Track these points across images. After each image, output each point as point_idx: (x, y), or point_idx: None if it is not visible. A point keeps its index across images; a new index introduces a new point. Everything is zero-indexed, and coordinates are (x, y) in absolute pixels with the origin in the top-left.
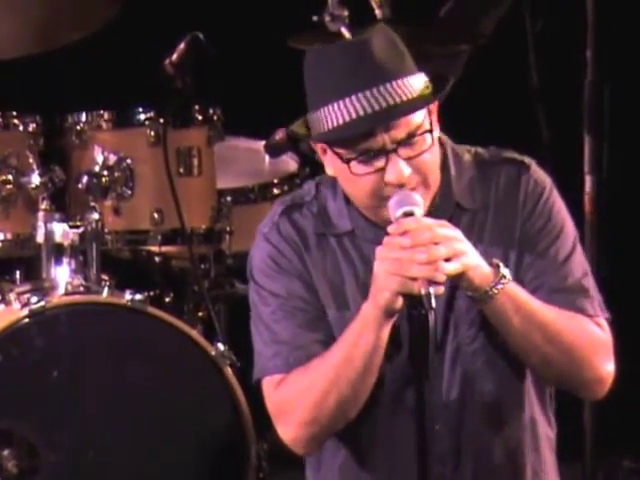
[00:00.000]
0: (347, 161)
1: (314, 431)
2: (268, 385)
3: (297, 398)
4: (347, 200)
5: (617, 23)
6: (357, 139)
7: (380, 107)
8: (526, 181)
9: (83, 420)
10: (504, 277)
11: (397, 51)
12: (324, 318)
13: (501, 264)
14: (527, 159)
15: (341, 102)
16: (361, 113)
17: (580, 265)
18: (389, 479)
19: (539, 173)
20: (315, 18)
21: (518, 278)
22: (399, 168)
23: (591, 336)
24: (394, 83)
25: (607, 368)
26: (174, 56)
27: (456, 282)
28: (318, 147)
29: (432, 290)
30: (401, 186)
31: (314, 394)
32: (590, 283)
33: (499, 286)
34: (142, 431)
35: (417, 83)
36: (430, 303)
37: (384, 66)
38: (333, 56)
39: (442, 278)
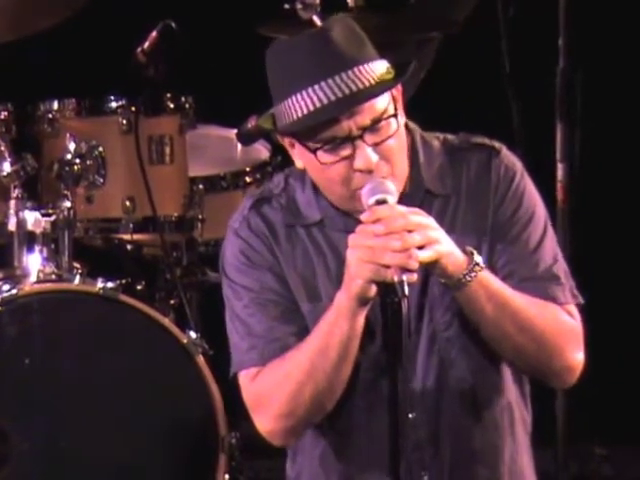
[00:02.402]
0: (314, 151)
1: (291, 423)
2: (244, 379)
3: (273, 390)
4: (316, 191)
5: (589, 10)
6: (322, 128)
7: (343, 94)
8: (497, 166)
9: (55, 408)
10: (477, 265)
11: (357, 39)
12: (298, 310)
13: (474, 252)
14: (497, 144)
15: (304, 92)
16: (325, 101)
17: (551, 251)
18: (368, 468)
19: (510, 157)
20: (287, 6)
21: (490, 264)
22: (367, 154)
23: (562, 325)
24: (355, 70)
25: (577, 357)
26: (146, 44)
27: (429, 270)
28: (286, 141)
29: (405, 278)
30: (370, 173)
31: (290, 386)
32: (561, 269)
33: (472, 274)
34: (114, 419)
35: (378, 69)
36: (403, 291)
37: (345, 54)
38: (294, 48)
39: (415, 265)
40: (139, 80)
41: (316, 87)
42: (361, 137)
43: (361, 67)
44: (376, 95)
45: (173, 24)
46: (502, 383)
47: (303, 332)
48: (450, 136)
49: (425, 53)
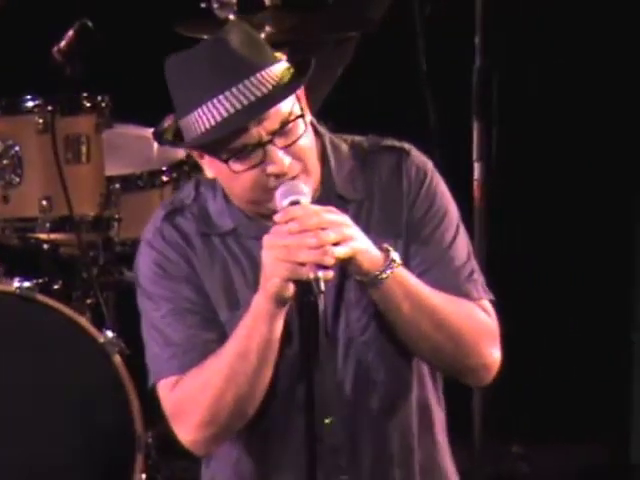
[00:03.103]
0: (225, 161)
1: (213, 431)
2: (164, 388)
3: (193, 399)
4: (227, 199)
5: (505, 9)
6: (231, 137)
7: (249, 101)
8: (408, 168)
9: None
10: (394, 261)
11: (255, 43)
12: (216, 319)
13: (391, 248)
14: (406, 145)
15: (209, 104)
16: (231, 110)
17: (464, 248)
18: (284, 474)
19: (419, 157)
20: (203, 5)
21: (406, 265)
22: (279, 158)
23: (478, 322)
24: (258, 75)
25: (493, 354)
26: (62, 43)
27: (345, 267)
28: (194, 152)
29: (321, 274)
30: (283, 176)
31: (210, 393)
32: (474, 265)
33: (388, 270)
34: (30, 419)
35: (279, 71)
36: (319, 287)
37: (244, 61)
38: (193, 60)
39: (331, 262)
40: (55, 79)
41: (221, 97)
42: (271, 142)
43: (263, 72)
44: (283, 98)
45: (90, 23)
46: (419, 384)
47: (222, 340)
48: (358, 139)
49: (343, 52)
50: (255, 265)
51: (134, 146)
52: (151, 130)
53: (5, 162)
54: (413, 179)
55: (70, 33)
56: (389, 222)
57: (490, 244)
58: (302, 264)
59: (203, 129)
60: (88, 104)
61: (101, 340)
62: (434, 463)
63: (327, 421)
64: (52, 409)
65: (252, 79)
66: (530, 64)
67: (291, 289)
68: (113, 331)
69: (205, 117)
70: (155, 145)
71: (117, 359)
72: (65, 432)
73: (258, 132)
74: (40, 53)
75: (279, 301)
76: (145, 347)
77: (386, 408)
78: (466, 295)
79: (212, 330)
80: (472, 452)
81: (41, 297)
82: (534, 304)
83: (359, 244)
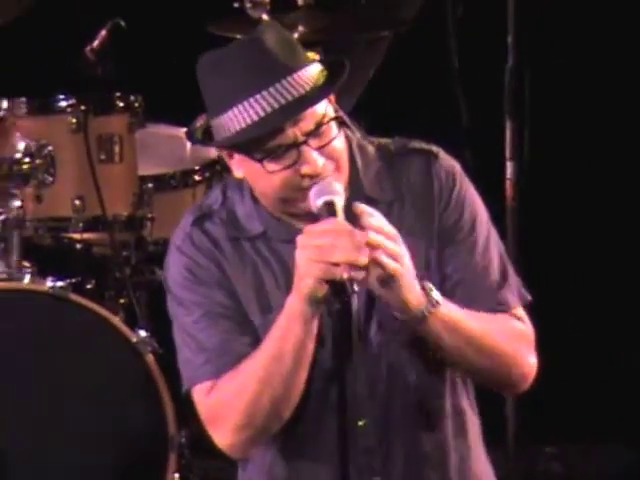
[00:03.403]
0: (260, 160)
1: (250, 434)
2: (199, 393)
3: (229, 403)
4: (255, 201)
5: (538, 8)
6: (267, 137)
7: (286, 101)
8: (437, 171)
9: (3, 408)
10: (437, 302)
11: (289, 44)
12: (249, 323)
13: (432, 287)
14: (434, 148)
15: (245, 103)
16: (268, 110)
17: (497, 252)
18: (317, 477)
19: (448, 161)
20: (236, 4)
21: (439, 271)
22: (313, 159)
23: (516, 336)
24: (295, 76)
25: (530, 362)
26: (95, 43)
27: (386, 304)
28: (224, 152)
29: (355, 275)
30: (317, 176)
31: (246, 396)
32: (508, 268)
33: (431, 309)
34: (63, 418)
35: (314, 73)
36: (353, 287)
37: (281, 61)
38: (226, 60)
39: (364, 262)
40: (88, 79)
41: (257, 97)
42: (306, 142)
43: (299, 73)
44: (319, 100)
45: (122, 22)
46: (447, 386)
47: (255, 344)
48: (384, 141)
49: (375, 52)
50: (286, 269)
51: (167, 146)
52: (184, 130)
53: (38, 162)
54: (444, 183)
55: (103, 33)
56: (421, 225)
57: (522, 243)
58: (336, 264)
59: (238, 128)
60: (121, 104)
61: (134, 340)
62: (468, 468)
63: (360, 423)
64: (85, 409)
65: (288, 79)
66: (562, 63)
67: (324, 289)
68: (146, 330)
69: (241, 116)
70: (188, 144)
71: (150, 358)
72: (98, 432)
73: (293, 132)
74: (73, 53)
75: (313, 302)
76: (177, 351)
77: (419, 410)
78: (502, 304)
79: (245, 334)
80: (506, 452)
81: (74, 297)
82: (567, 303)
83: (404, 275)
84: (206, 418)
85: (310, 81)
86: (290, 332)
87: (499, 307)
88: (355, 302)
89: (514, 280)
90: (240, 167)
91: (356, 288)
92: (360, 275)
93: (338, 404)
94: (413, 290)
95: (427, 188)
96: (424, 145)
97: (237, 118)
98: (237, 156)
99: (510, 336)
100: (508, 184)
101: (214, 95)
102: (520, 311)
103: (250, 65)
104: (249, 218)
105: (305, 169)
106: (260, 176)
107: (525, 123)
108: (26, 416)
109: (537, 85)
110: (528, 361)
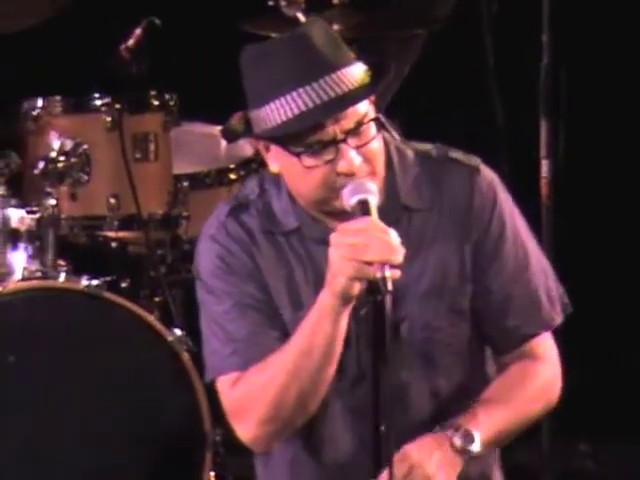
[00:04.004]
0: (298, 154)
1: (275, 428)
2: (224, 384)
3: (256, 395)
4: (291, 198)
5: (573, 6)
6: (307, 132)
7: (329, 97)
8: (479, 186)
9: (39, 406)
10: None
11: (336, 42)
12: (278, 317)
13: (472, 431)
14: (474, 160)
15: (288, 96)
16: (310, 105)
17: (539, 264)
18: (337, 476)
19: (489, 174)
20: (271, 3)
21: (476, 282)
22: (350, 157)
23: (543, 393)
24: (339, 73)
25: (555, 398)
26: (130, 41)
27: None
28: (260, 144)
29: (388, 273)
30: (352, 175)
31: (274, 389)
32: (550, 279)
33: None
34: (98, 417)
35: (358, 72)
36: (386, 286)
37: (326, 58)
38: (271, 53)
39: (398, 260)
40: (123, 77)
41: (300, 90)
42: (345, 140)
43: (343, 71)
44: (362, 99)
45: (157, 21)
46: (482, 385)
47: (284, 339)
48: (425, 147)
49: (410, 50)
50: (317, 269)
51: (202, 144)
52: (219, 128)
53: (73, 160)
54: (485, 198)
55: (137, 31)
56: (457, 237)
57: (558, 242)
58: (369, 263)
59: (279, 121)
60: (156, 102)
61: (169, 338)
62: (486, 473)
63: (382, 428)
64: (119, 407)
65: (332, 76)
66: (598, 61)
67: (357, 287)
68: (181, 329)
69: (282, 109)
70: (223, 143)
71: (185, 357)
72: (133, 431)
73: (334, 130)
74: (108, 51)
75: (345, 299)
76: (204, 341)
77: (445, 411)
78: (547, 325)
79: (274, 328)
80: (540, 450)
81: (109, 295)
82: (604, 302)
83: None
84: (230, 410)
85: (354, 80)
86: (320, 327)
87: (544, 328)
88: (389, 301)
89: (557, 289)
90: (276, 161)
91: (390, 287)
92: (395, 274)
93: (372, 403)
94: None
95: (468, 201)
96: (465, 157)
97: (279, 111)
98: (274, 149)
99: (538, 398)
100: (543, 182)
101: (257, 87)
102: (548, 338)
103: (295, 59)
104: (285, 213)
105: (342, 166)
106: (296, 171)
107: (560, 121)
108: (61, 415)
109: (572, 83)
110: (554, 398)
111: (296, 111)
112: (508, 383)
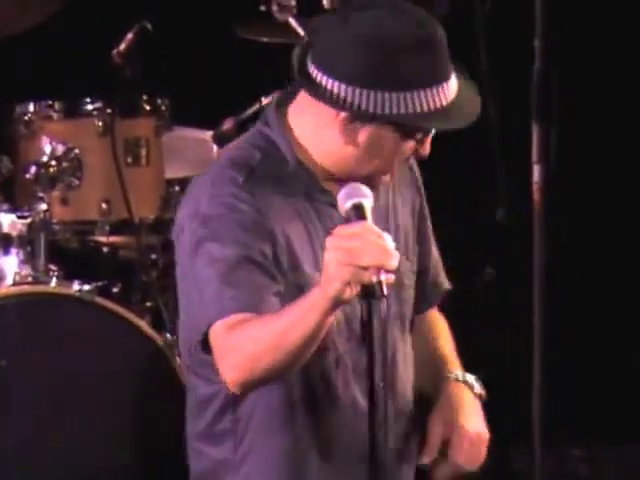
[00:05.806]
0: (413, 137)
1: (249, 377)
2: (220, 327)
3: (240, 344)
4: (300, 163)
5: (565, 10)
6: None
7: (467, 98)
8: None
9: (30, 411)
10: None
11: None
12: (280, 272)
13: (475, 383)
14: None
15: (434, 89)
16: (453, 100)
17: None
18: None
19: None
20: (263, 7)
21: (421, 244)
22: (429, 145)
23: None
24: (464, 76)
25: None
26: (122, 46)
27: None
28: (341, 116)
29: (384, 278)
30: (423, 158)
31: (255, 347)
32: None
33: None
34: (89, 421)
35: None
36: (382, 291)
37: (451, 60)
38: (436, 44)
39: (393, 265)
40: (115, 82)
41: (445, 86)
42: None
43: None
44: (479, 108)
45: (149, 25)
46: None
47: (283, 304)
48: None
49: None
50: (326, 230)
51: (194, 149)
52: (210, 133)
53: (65, 165)
54: (416, 170)
55: (129, 36)
56: (409, 201)
57: (550, 247)
58: (365, 268)
59: (426, 108)
60: (148, 107)
61: (161, 343)
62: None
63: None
64: (111, 412)
65: (465, 79)
66: (590, 66)
67: (351, 292)
68: (172, 334)
69: (432, 99)
70: (215, 148)
71: (177, 362)
72: (124, 435)
73: None
74: (99, 56)
75: (336, 302)
76: (197, 292)
77: (416, 408)
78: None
79: (276, 282)
80: (532, 454)
81: (100, 300)
82: (594, 307)
83: None
84: (218, 352)
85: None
86: (306, 318)
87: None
88: (384, 305)
89: None
90: (362, 132)
91: (385, 291)
92: (390, 279)
93: (367, 360)
94: None
95: (407, 174)
96: None
97: (427, 99)
98: (370, 126)
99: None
100: (535, 187)
101: (412, 69)
102: None
103: (437, 55)
104: (295, 178)
105: (425, 149)
106: (384, 145)
107: (552, 126)
108: (53, 419)
109: (565, 87)
110: None
111: (444, 103)
112: (443, 328)
